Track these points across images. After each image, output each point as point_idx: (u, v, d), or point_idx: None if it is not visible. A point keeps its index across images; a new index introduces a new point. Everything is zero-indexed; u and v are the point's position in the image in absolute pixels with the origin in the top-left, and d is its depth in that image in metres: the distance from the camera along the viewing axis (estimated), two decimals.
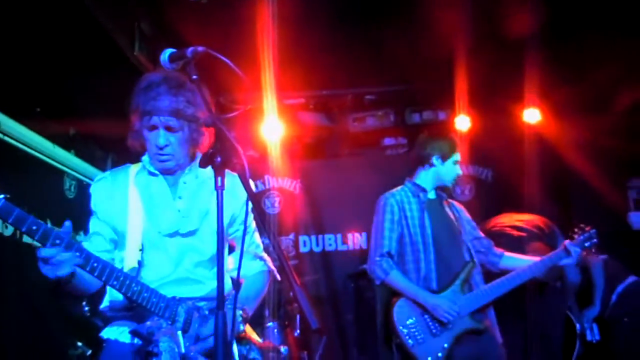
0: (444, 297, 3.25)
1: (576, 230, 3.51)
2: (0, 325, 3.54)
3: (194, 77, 1.84)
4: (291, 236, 6.06)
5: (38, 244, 1.81)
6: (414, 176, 3.57)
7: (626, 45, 4.63)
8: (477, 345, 3.28)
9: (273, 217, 6.06)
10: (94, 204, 2.20)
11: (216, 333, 1.57)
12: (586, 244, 3.47)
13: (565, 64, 5.02)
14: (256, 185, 6.11)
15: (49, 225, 1.81)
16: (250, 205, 2.10)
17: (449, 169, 3.50)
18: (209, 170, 1.76)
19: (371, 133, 6.29)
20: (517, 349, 4.36)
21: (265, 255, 2.44)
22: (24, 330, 3.72)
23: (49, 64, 3.89)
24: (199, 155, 2.12)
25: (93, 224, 2.21)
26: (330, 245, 6.08)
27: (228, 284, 2.18)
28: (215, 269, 1.92)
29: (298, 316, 4.81)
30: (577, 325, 4.90)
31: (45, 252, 1.79)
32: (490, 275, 3.50)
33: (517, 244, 4.12)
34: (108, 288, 2.13)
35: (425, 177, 3.54)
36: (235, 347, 2.13)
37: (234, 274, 1.87)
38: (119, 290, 1.96)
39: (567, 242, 3.47)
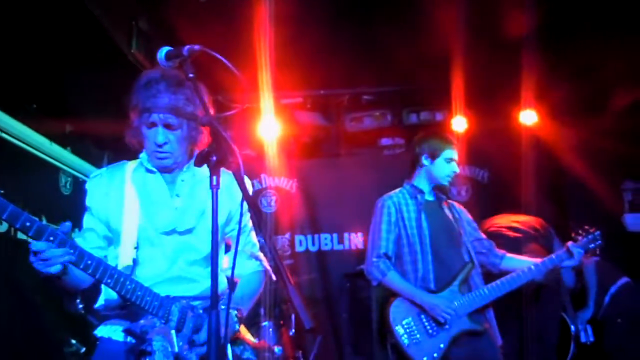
0: (442, 297, 3.24)
1: (580, 231, 3.45)
2: None
3: (190, 75, 1.84)
4: (287, 235, 6.06)
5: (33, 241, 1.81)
6: (412, 178, 3.56)
7: (622, 46, 4.63)
8: (474, 346, 3.26)
9: (269, 216, 6.06)
10: (89, 200, 2.19)
11: (209, 332, 1.56)
12: (591, 246, 3.42)
13: (562, 65, 5.02)
14: (253, 184, 6.10)
15: (44, 222, 1.80)
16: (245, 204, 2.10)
17: (440, 167, 3.45)
18: (206, 168, 1.76)
19: (368, 133, 6.28)
20: (512, 350, 4.36)
21: (261, 255, 2.42)
22: (19, 328, 3.72)
23: (45, 61, 3.88)
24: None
25: (87, 220, 2.20)
26: (326, 244, 6.07)
27: (223, 283, 2.16)
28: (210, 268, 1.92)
29: (293, 315, 4.81)
30: (572, 327, 4.90)
31: (35, 245, 1.79)
32: (490, 276, 3.48)
33: (513, 245, 4.11)
34: (103, 287, 2.13)
35: (420, 178, 3.52)
36: (229, 348, 2.12)
37: (229, 273, 1.87)
38: (113, 288, 1.95)
39: (570, 243, 3.42)
